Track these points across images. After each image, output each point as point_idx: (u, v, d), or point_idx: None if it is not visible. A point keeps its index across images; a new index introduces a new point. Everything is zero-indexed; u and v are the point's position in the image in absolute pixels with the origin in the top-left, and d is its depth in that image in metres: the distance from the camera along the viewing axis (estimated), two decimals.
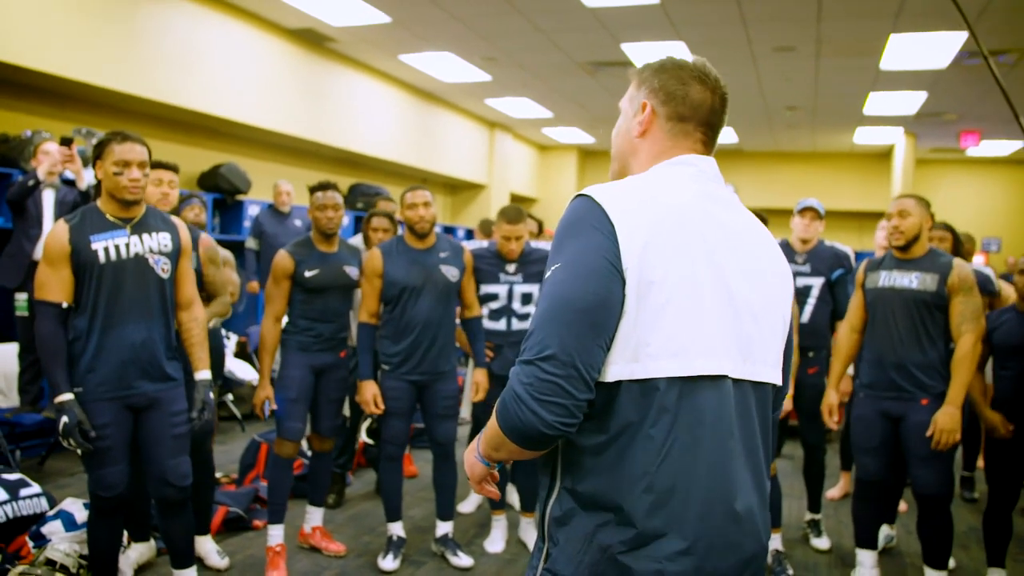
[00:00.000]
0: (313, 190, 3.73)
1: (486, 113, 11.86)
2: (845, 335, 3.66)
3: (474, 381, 3.90)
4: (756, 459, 1.33)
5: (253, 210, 7.55)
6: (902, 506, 4.70)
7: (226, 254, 4.58)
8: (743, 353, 1.31)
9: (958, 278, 3.32)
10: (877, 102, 9.64)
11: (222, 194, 7.26)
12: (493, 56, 8.34)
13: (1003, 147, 12.63)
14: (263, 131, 7.64)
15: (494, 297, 4.02)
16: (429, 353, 3.71)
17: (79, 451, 2.77)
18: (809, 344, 4.16)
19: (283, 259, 3.66)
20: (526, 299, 4.04)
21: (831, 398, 3.62)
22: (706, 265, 1.29)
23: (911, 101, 9.51)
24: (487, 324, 4.01)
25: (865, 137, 12.24)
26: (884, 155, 13.60)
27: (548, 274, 1.29)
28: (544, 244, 4.26)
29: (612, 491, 1.25)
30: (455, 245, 3.85)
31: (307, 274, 3.64)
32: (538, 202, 14.75)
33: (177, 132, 7.23)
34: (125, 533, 3.40)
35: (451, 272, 3.75)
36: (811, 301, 4.18)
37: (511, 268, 4.02)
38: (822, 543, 4.30)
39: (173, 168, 3.52)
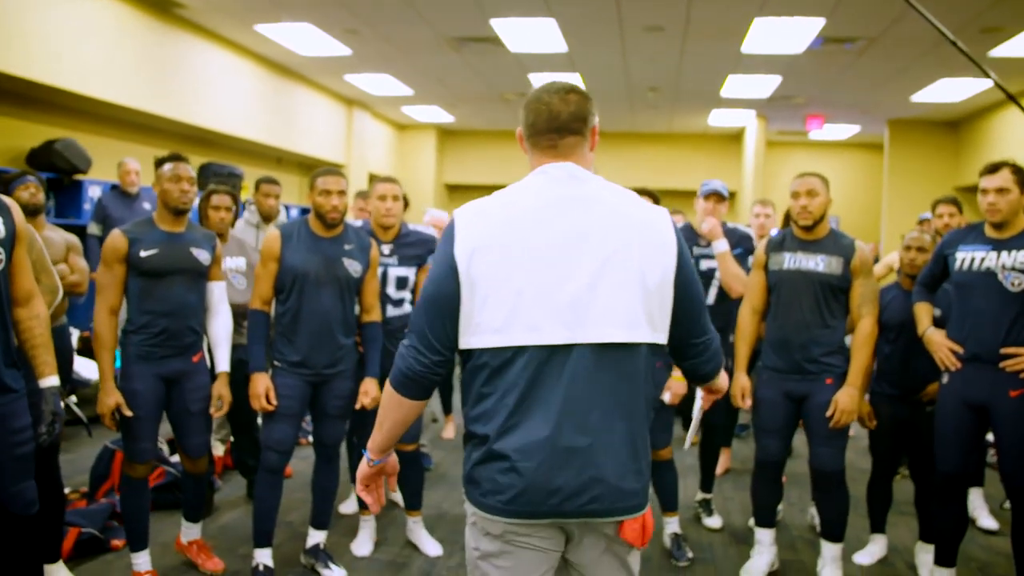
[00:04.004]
0: (160, 163, 3.31)
1: (344, 90, 11.38)
2: (747, 317, 3.63)
3: (363, 390, 3.48)
4: (598, 406, 1.66)
5: (94, 191, 6.80)
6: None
7: (72, 239, 4.09)
8: (578, 322, 1.64)
9: (860, 261, 3.38)
10: (734, 85, 9.92)
11: (58, 173, 6.46)
12: (355, 28, 7.94)
13: (843, 131, 13.46)
14: (103, 103, 6.89)
15: None
16: (326, 350, 3.37)
17: None
18: (718, 326, 4.12)
19: (114, 239, 3.18)
20: (401, 283, 3.78)
21: (742, 381, 3.57)
22: (531, 259, 1.66)
23: (766, 84, 9.84)
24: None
25: (719, 119, 12.64)
26: (736, 137, 14.11)
27: None
28: (423, 228, 4.03)
29: (478, 423, 1.72)
30: (362, 238, 3.51)
31: (143, 254, 3.17)
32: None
33: (2, 103, 6.41)
34: None
35: (353, 267, 3.41)
36: (716, 283, 4.13)
37: (386, 250, 3.76)
38: (714, 522, 4.33)
39: None
